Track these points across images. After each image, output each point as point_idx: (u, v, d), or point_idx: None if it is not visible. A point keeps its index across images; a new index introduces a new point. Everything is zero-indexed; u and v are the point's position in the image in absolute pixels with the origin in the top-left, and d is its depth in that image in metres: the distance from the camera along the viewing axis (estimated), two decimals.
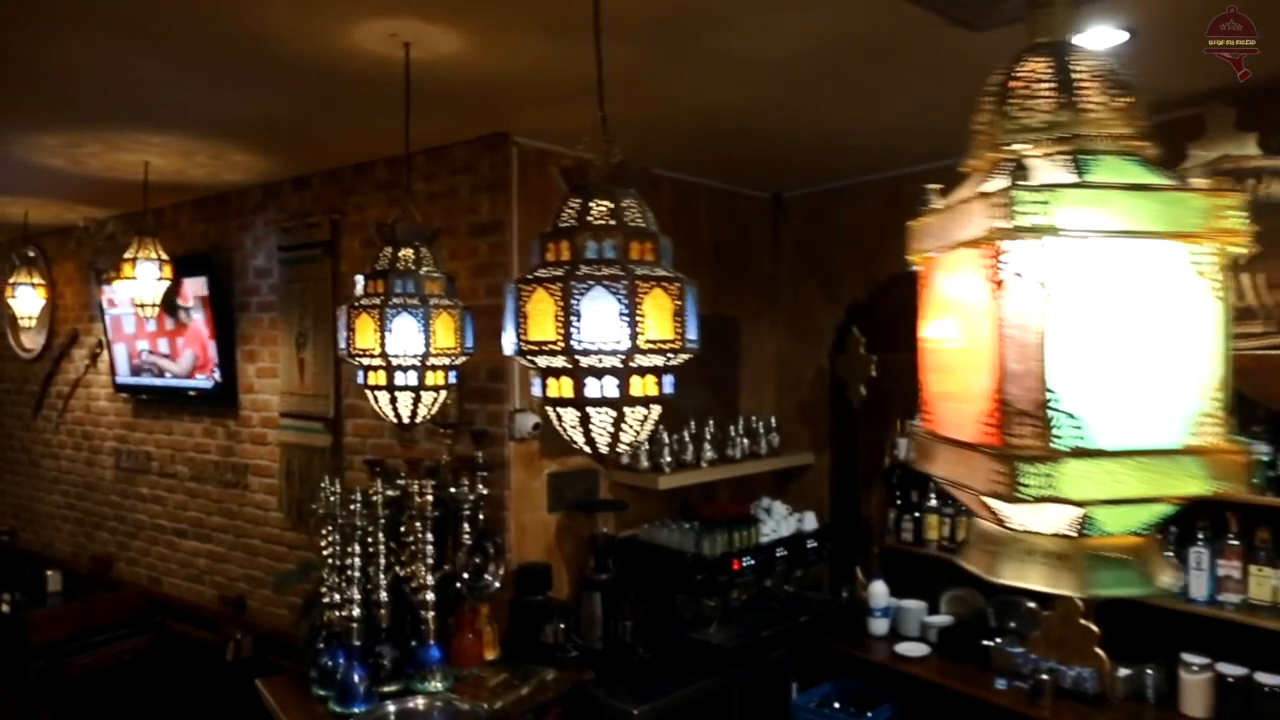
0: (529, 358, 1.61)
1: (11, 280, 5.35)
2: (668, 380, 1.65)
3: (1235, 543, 3.08)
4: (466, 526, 3.33)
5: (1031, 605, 3.68)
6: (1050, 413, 0.85)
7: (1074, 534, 0.91)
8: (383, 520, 3.21)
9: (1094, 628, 3.33)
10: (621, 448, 1.66)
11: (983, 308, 0.90)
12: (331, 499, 3.20)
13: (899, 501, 4.25)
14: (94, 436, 5.90)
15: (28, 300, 5.38)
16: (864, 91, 3.07)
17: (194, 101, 3.21)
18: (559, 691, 3.25)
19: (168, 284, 4.24)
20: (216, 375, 4.81)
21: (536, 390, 1.65)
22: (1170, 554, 3.13)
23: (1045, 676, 3.32)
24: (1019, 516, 0.92)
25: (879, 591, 4.08)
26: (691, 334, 1.63)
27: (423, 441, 3.74)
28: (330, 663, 3.10)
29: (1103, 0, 2.26)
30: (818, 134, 3.64)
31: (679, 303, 1.61)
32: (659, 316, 1.58)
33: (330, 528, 3.19)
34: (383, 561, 3.19)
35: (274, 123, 3.51)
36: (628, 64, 2.68)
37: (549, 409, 1.66)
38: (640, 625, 3.61)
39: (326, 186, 4.31)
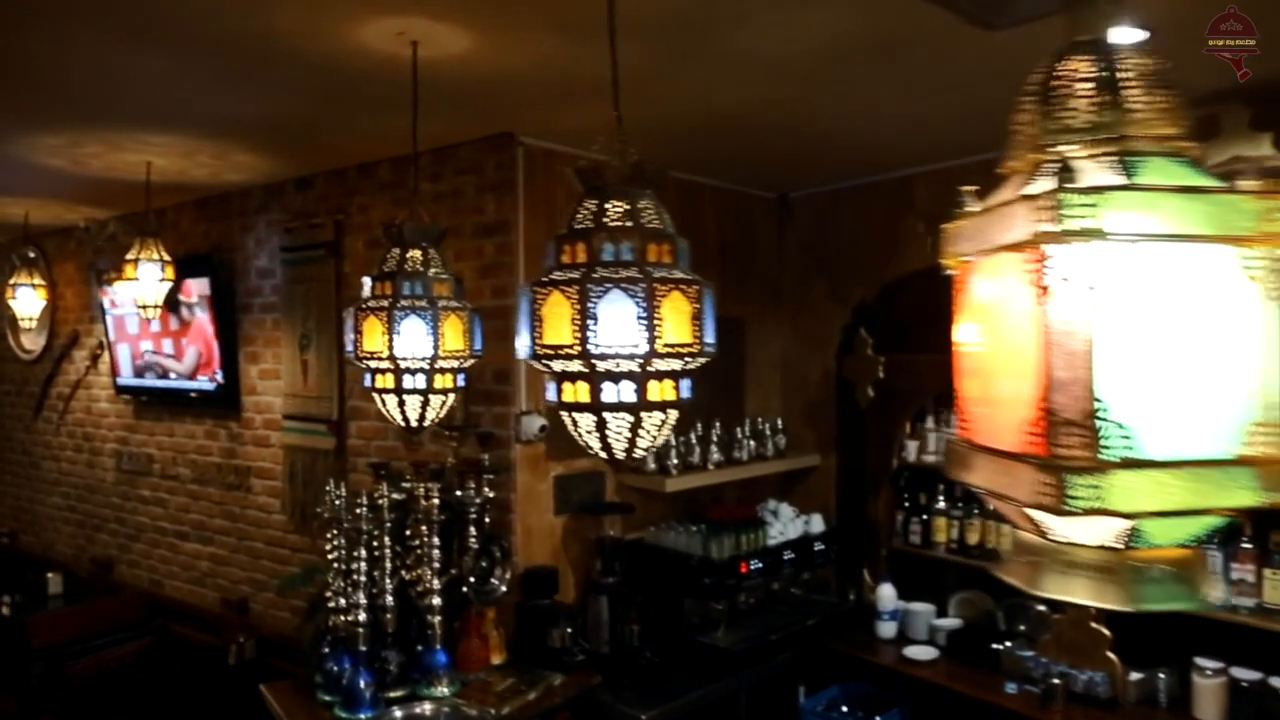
0: (544, 362, 1.58)
1: (12, 281, 5.32)
2: (685, 384, 1.62)
3: (1249, 546, 3.06)
4: (472, 530, 3.30)
5: (1041, 608, 3.65)
6: (1099, 422, 0.83)
7: (1120, 546, 0.88)
8: (388, 524, 3.18)
9: (1105, 631, 3.31)
10: (638, 453, 1.63)
11: (1026, 313, 0.88)
12: (337, 502, 3.17)
13: (907, 504, 4.23)
14: (95, 438, 5.87)
15: (28, 301, 5.34)
16: (873, 90, 3.04)
17: (197, 101, 3.18)
18: (566, 696, 3.22)
19: (170, 285, 4.22)
20: (219, 377, 4.78)
21: (551, 395, 1.62)
22: None
23: (1057, 681, 3.29)
24: (1063, 528, 0.89)
25: (887, 594, 4.06)
26: (710, 337, 1.60)
27: (428, 444, 3.71)
28: (336, 668, 3.07)
29: None
30: (826, 133, 3.61)
31: (697, 305, 1.58)
32: (677, 320, 1.55)
33: (335, 531, 3.16)
34: (388, 565, 3.16)
35: (278, 122, 3.48)
36: (636, 63, 2.64)
37: (564, 414, 1.63)
38: (647, 629, 3.58)
39: (330, 187, 4.28)
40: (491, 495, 3.34)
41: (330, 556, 3.17)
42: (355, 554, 3.12)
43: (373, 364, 2.38)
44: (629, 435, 1.59)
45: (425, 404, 2.43)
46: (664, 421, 1.62)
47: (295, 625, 4.02)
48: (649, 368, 1.54)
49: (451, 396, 2.50)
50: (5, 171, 4.24)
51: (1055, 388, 0.85)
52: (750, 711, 3.66)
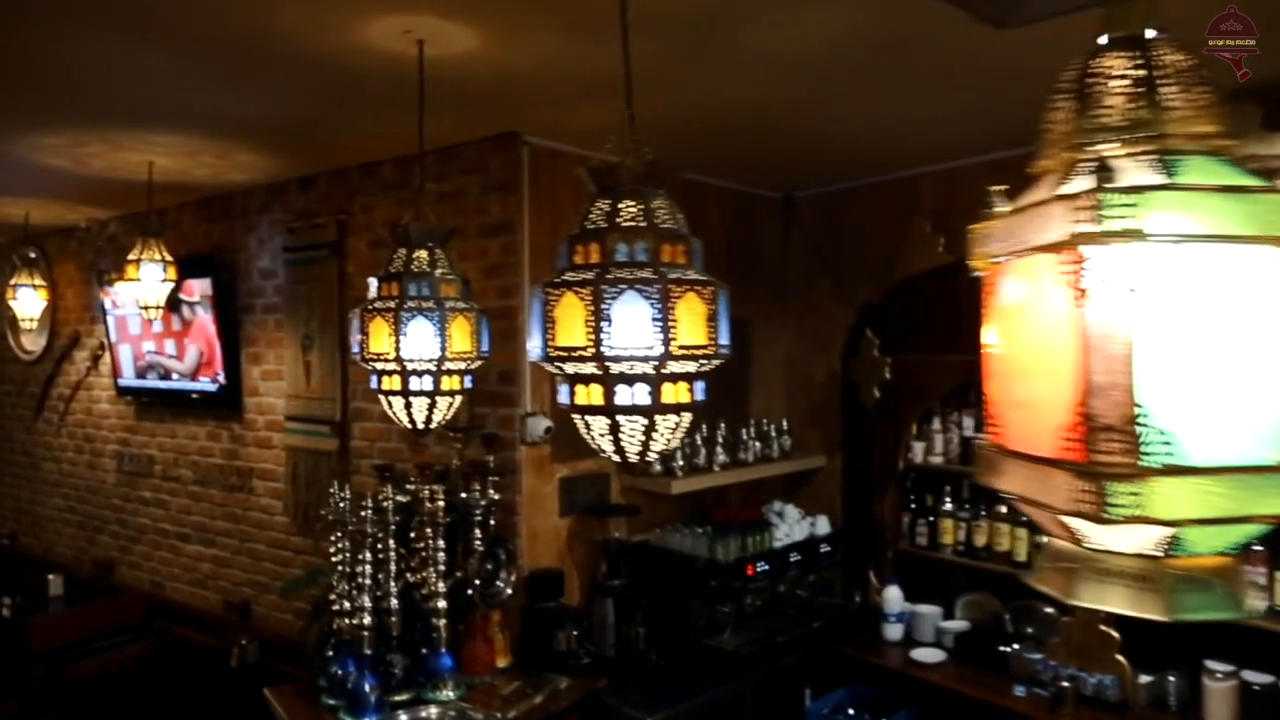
0: (557, 364, 1.56)
1: (12, 282, 5.29)
2: (699, 387, 1.60)
3: (1261, 549, 3.03)
4: (477, 532, 3.27)
5: (1050, 611, 3.63)
6: (1139, 428, 0.81)
7: (1159, 554, 0.86)
8: (393, 526, 3.15)
9: (1115, 634, 3.29)
10: (651, 456, 1.61)
11: (1062, 315, 0.86)
12: (341, 505, 3.15)
13: (913, 505, 4.20)
14: (96, 439, 5.84)
15: (28, 302, 5.32)
16: (880, 89, 3.02)
17: (200, 100, 3.16)
18: (572, 700, 3.20)
19: (171, 285, 4.19)
20: (221, 378, 4.76)
21: (564, 398, 1.60)
22: None
23: (1066, 684, 3.27)
24: (1100, 536, 0.87)
25: (893, 596, 4.04)
26: (724, 339, 1.58)
27: (432, 446, 3.69)
28: (340, 671, 3.04)
29: None
30: (832, 132, 3.59)
31: (712, 307, 1.56)
32: (692, 321, 1.53)
33: (339, 534, 3.13)
34: (393, 568, 3.14)
35: (281, 122, 3.45)
36: (644, 62, 2.62)
37: (576, 417, 1.60)
38: (653, 631, 3.55)
39: (332, 187, 4.26)
40: (496, 497, 3.32)
41: (335, 559, 3.14)
42: (359, 556, 3.09)
43: (379, 365, 2.36)
44: (643, 439, 1.57)
45: (432, 406, 2.40)
46: (678, 424, 1.60)
47: (298, 628, 3.99)
48: (664, 370, 1.52)
49: (459, 398, 2.47)
50: (6, 171, 4.21)
51: (1094, 392, 0.82)
52: (756, 714, 3.63)
